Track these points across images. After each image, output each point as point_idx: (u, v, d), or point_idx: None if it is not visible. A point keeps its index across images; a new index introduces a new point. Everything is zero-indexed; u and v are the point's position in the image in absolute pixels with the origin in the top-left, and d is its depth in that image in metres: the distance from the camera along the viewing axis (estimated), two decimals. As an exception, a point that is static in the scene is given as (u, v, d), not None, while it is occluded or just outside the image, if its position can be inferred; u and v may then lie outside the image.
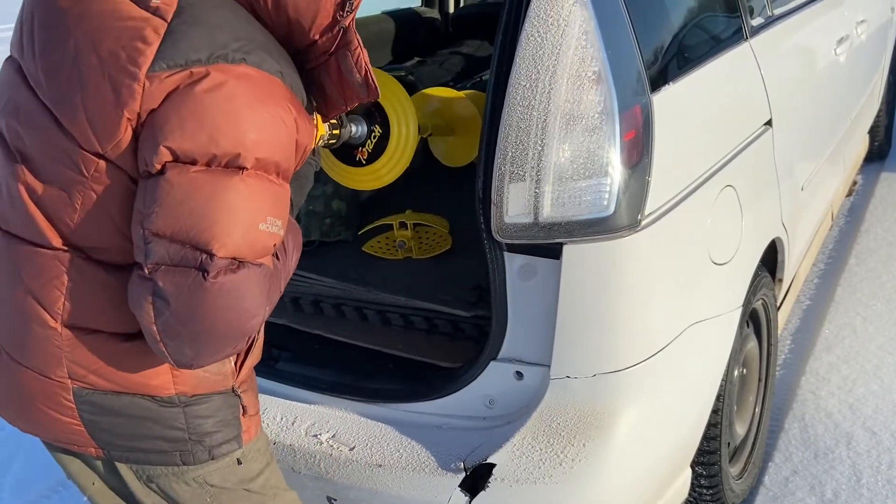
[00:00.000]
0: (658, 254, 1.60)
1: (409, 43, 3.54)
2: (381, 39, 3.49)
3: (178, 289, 1.08)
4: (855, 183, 4.38)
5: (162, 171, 1.08)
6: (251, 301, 1.13)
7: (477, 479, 1.61)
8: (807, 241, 2.82)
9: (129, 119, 1.09)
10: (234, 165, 1.09)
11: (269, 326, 2.01)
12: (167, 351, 1.13)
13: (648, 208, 1.55)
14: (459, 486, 1.61)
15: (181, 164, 1.08)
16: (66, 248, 1.17)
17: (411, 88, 2.63)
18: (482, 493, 1.59)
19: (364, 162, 1.72)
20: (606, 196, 1.48)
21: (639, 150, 1.52)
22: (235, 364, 1.32)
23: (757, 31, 2.16)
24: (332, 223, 2.25)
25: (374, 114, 1.69)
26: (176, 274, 1.08)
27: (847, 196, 4.18)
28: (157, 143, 1.08)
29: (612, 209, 1.49)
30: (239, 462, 1.34)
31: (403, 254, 2.18)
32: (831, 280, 3.47)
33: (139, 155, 1.11)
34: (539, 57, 1.47)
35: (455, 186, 2.12)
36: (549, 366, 1.63)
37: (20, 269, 1.20)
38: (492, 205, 1.53)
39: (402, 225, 2.18)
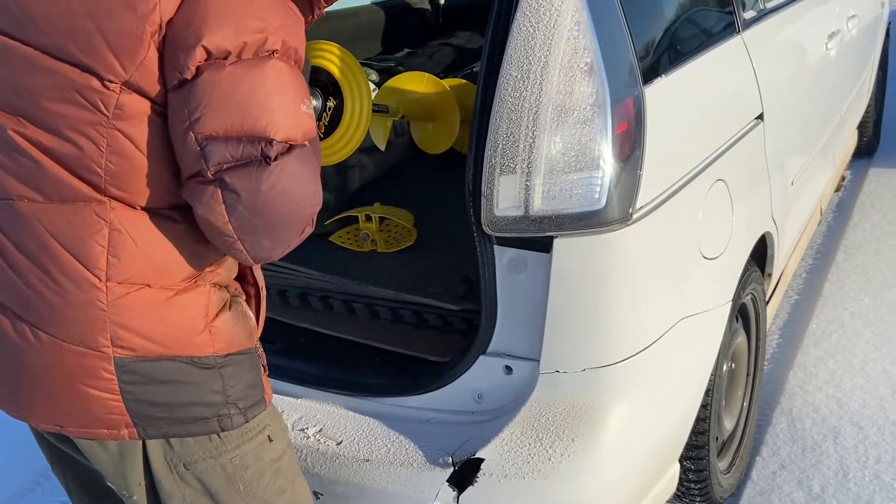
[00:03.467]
0: (649, 248, 1.59)
1: (399, 34, 3.52)
2: (370, 30, 3.46)
3: (246, 181, 1.11)
4: (843, 178, 4.40)
5: (198, 74, 1.09)
6: (309, 179, 1.17)
7: (465, 474, 1.60)
8: (796, 235, 2.82)
9: (151, 33, 1.09)
10: (264, 51, 1.11)
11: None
12: (245, 248, 1.16)
13: (640, 202, 1.54)
14: (447, 481, 1.60)
15: (215, 62, 1.09)
16: (100, 197, 1.15)
17: (401, 79, 2.62)
18: (470, 488, 1.58)
19: (321, 136, 1.70)
20: (598, 189, 1.47)
21: (630, 143, 1.51)
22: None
23: (749, 24, 2.15)
24: (320, 215, 2.22)
25: (329, 87, 1.68)
26: (241, 167, 1.11)
27: (836, 191, 4.19)
28: (190, 45, 1.08)
29: (603, 202, 1.48)
30: (270, 439, 1.35)
31: (368, 246, 2.16)
32: (819, 275, 3.48)
33: (167, 67, 1.10)
34: (531, 48, 1.45)
35: (445, 179, 2.11)
36: (538, 360, 1.61)
37: (52, 231, 1.16)
38: (482, 197, 1.51)
39: (368, 218, 2.16)
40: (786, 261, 2.78)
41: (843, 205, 4.17)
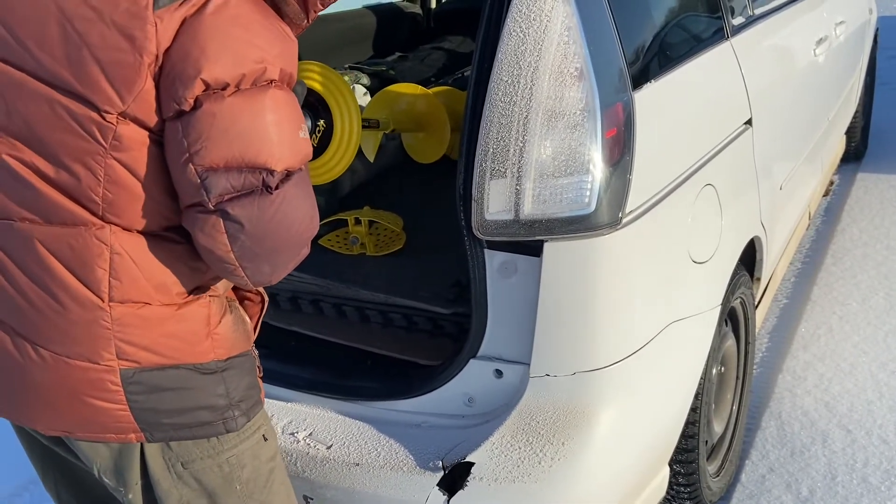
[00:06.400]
0: (639, 252, 1.60)
1: (390, 38, 3.52)
2: (361, 34, 3.47)
3: (249, 210, 1.11)
4: (832, 183, 4.43)
5: (196, 106, 1.08)
6: (308, 203, 1.18)
7: (455, 478, 1.60)
8: (784, 240, 2.83)
9: (148, 64, 1.08)
10: (263, 81, 1.11)
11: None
12: (246, 274, 1.17)
13: (629, 206, 1.54)
14: (437, 485, 1.59)
15: (214, 93, 1.08)
16: (101, 222, 1.15)
17: (392, 83, 2.62)
18: (460, 492, 1.58)
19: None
20: (588, 193, 1.48)
21: (620, 148, 1.51)
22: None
23: (738, 30, 2.16)
24: (310, 219, 2.22)
25: (318, 108, 1.69)
26: (242, 197, 1.11)
27: (824, 196, 4.22)
28: (189, 77, 1.07)
29: (593, 207, 1.48)
30: (265, 438, 1.36)
31: (358, 250, 2.17)
32: (808, 279, 3.50)
33: (163, 97, 1.09)
34: (521, 53, 1.46)
35: (436, 183, 2.11)
36: (528, 364, 1.62)
37: (54, 252, 1.16)
38: (472, 201, 1.51)
39: (357, 221, 2.17)
40: (774, 265, 2.79)
41: (831, 209, 4.20)
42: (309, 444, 1.73)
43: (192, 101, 1.08)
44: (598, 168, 1.48)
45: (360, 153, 2.26)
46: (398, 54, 3.30)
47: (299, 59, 3.17)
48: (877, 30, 4.66)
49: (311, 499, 1.71)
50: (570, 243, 1.50)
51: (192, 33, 1.08)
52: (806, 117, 2.85)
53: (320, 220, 2.22)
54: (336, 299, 2.03)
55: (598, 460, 1.61)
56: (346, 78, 2.36)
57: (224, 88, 1.09)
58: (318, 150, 1.70)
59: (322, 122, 1.68)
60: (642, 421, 1.72)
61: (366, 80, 2.43)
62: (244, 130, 1.09)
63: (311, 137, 1.69)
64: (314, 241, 2.23)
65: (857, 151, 4.71)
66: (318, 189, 1.96)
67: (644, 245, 1.61)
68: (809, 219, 3.53)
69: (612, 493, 1.67)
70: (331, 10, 3.46)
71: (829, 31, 3.04)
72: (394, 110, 2.00)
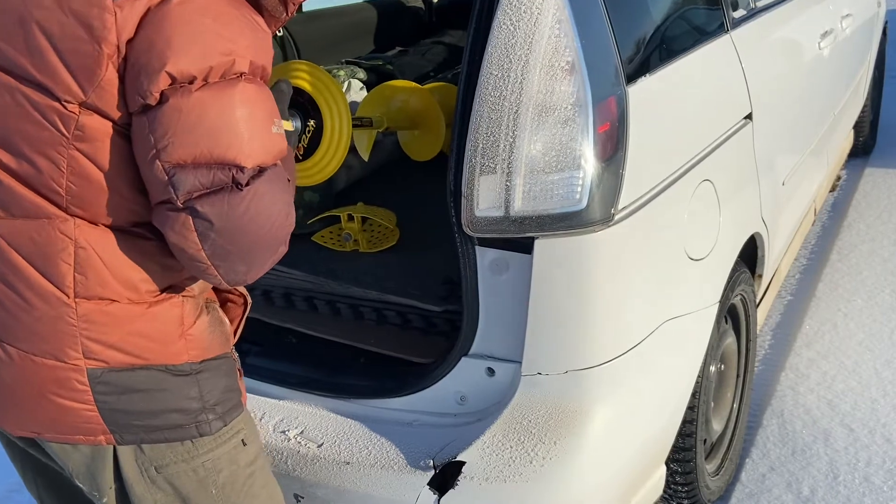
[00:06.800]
0: (632, 249, 1.57)
1: (391, 32, 3.50)
2: (363, 28, 3.45)
3: (218, 208, 1.07)
4: (839, 178, 4.38)
5: (163, 100, 1.05)
6: (282, 199, 1.14)
7: (446, 477, 1.58)
8: (788, 236, 2.80)
9: (108, 55, 1.05)
10: (231, 74, 1.08)
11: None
12: (220, 273, 1.13)
13: (622, 202, 1.52)
14: (428, 484, 1.58)
15: (181, 87, 1.05)
16: (64, 214, 1.12)
17: (389, 79, 2.60)
18: (451, 491, 1.56)
19: (301, 157, 1.69)
20: (579, 190, 1.45)
21: (613, 143, 1.49)
22: (231, 324, 1.34)
23: (738, 23, 2.12)
24: (305, 215, 2.21)
25: (307, 108, 1.66)
26: (212, 195, 1.07)
27: (830, 191, 4.17)
28: (154, 70, 1.03)
29: (584, 203, 1.46)
30: (244, 443, 1.33)
31: (351, 246, 2.14)
32: (813, 275, 3.46)
33: (128, 92, 1.06)
34: (511, 46, 1.43)
35: (432, 180, 2.09)
36: (520, 362, 1.59)
37: (17, 247, 1.14)
38: (462, 197, 1.49)
39: (351, 217, 2.14)
40: (778, 262, 2.76)
41: (838, 205, 4.15)
42: (300, 443, 1.72)
43: (157, 95, 1.05)
44: (589, 164, 1.46)
45: (355, 149, 2.25)
46: (399, 48, 3.28)
47: (299, 56, 3.15)
48: (886, 23, 4.60)
49: (302, 497, 1.70)
50: (561, 240, 1.48)
51: (156, 24, 1.04)
52: (810, 112, 2.81)
53: (315, 217, 2.24)
54: (329, 296, 2.02)
55: (591, 460, 1.59)
56: (342, 73, 2.34)
57: (191, 82, 1.05)
58: (309, 150, 1.68)
59: (312, 122, 1.66)
60: (637, 420, 1.70)
61: (362, 74, 2.41)
62: (212, 126, 1.06)
63: (301, 137, 1.66)
64: (308, 237, 2.23)
65: (865, 146, 4.66)
66: (315, 186, 1.96)
67: (638, 242, 1.59)
68: (815, 214, 3.48)
69: (606, 493, 1.65)
70: (332, 4, 3.44)
71: (834, 24, 3.00)
72: (388, 108, 1.98)
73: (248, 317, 2.01)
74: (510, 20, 1.44)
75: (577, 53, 1.44)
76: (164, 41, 1.04)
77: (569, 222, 1.46)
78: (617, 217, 1.51)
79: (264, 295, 2.10)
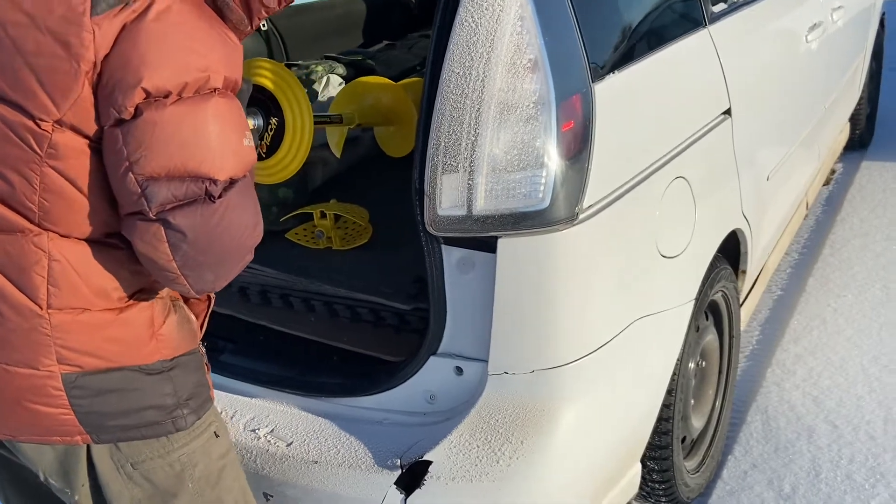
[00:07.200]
0: (599, 248, 1.56)
1: (379, 26, 3.48)
2: (350, 22, 3.43)
3: (192, 220, 1.09)
4: (833, 172, 4.34)
5: (137, 114, 1.05)
6: (251, 210, 1.17)
7: (413, 476, 1.58)
8: (775, 231, 2.77)
9: (86, 72, 1.05)
10: (206, 89, 1.09)
11: (211, 317, 1.98)
12: (189, 283, 1.15)
13: (587, 201, 1.50)
14: (394, 483, 1.57)
15: (155, 101, 1.06)
16: (37, 229, 1.13)
17: (370, 74, 2.59)
18: (417, 491, 1.56)
19: (264, 155, 1.68)
20: (542, 188, 1.44)
21: (577, 142, 1.47)
22: (197, 320, 1.36)
23: (717, 17, 2.10)
24: (279, 211, 2.20)
25: (269, 105, 1.66)
26: (185, 207, 1.09)
27: (825, 185, 4.13)
28: (129, 85, 1.04)
29: (547, 202, 1.44)
30: (216, 435, 1.35)
31: (324, 244, 2.14)
32: (804, 270, 3.44)
33: (102, 105, 1.07)
34: (473, 43, 1.42)
35: (407, 176, 2.08)
36: (488, 361, 1.59)
37: None
38: (425, 196, 1.48)
39: (323, 215, 2.14)
40: (764, 257, 2.74)
41: (832, 199, 4.12)
42: (269, 442, 1.71)
43: (132, 110, 1.05)
44: (553, 162, 1.44)
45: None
46: (385, 42, 3.26)
47: (285, 51, 3.13)
48: (883, 14, 4.55)
49: (271, 496, 1.70)
50: (524, 239, 1.47)
51: (132, 40, 1.05)
52: (796, 106, 2.78)
53: (289, 213, 2.23)
54: (304, 294, 2.01)
55: (558, 459, 1.58)
56: (320, 68, 2.33)
57: (166, 97, 1.06)
58: (272, 147, 1.67)
59: (275, 119, 1.65)
60: (608, 419, 1.69)
61: (341, 70, 2.39)
62: (186, 140, 1.07)
63: (264, 135, 1.66)
64: (281, 235, 2.23)
65: (862, 139, 4.61)
66: (288, 181, 1.95)
67: (605, 240, 1.57)
68: (807, 208, 3.45)
69: (575, 492, 1.64)
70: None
71: (824, 16, 2.96)
72: (360, 104, 1.97)
73: (223, 314, 2.03)
74: (472, 17, 1.42)
75: (541, 51, 1.43)
76: (139, 57, 1.05)
77: (532, 221, 1.45)
78: (582, 216, 1.49)
79: (240, 292, 2.10)
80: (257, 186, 2.20)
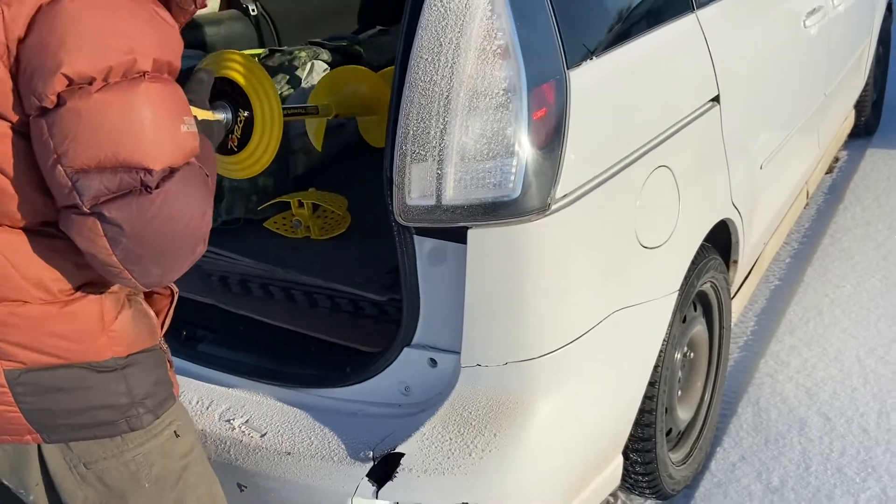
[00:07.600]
0: (573, 238, 1.53)
1: (372, 10, 3.44)
2: (342, 6, 3.39)
3: (127, 212, 1.04)
4: (836, 160, 4.27)
5: (60, 103, 1.01)
6: (197, 200, 1.10)
7: (385, 468, 1.56)
8: (771, 221, 2.73)
9: None
10: (133, 73, 1.03)
11: (192, 305, 1.97)
12: (134, 277, 1.10)
13: (561, 191, 1.47)
14: (367, 475, 1.56)
15: (79, 89, 1.01)
16: None
17: (356, 60, 2.55)
18: (389, 483, 1.54)
19: (235, 149, 1.66)
20: (512, 178, 1.41)
21: (550, 130, 1.44)
22: (158, 316, 1.32)
23: (706, 2, 2.05)
24: (258, 200, 2.18)
25: (237, 98, 1.63)
26: (119, 199, 1.04)
27: (827, 173, 4.07)
28: (49, 71, 0.99)
29: (518, 192, 1.41)
30: (177, 434, 1.31)
31: (302, 233, 2.11)
32: (803, 259, 3.39)
33: (23, 92, 1.02)
34: (442, 29, 1.39)
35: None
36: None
37: None
38: (394, 186, 1.46)
39: (301, 204, 2.11)
40: (759, 247, 2.69)
41: (835, 187, 4.06)
42: (243, 432, 1.70)
43: (54, 98, 1.01)
44: (524, 151, 1.41)
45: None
46: (379, 28, 3.21)
47: (276, 36, 3.08)
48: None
49: (245, 487, 1.69)
50: (495, 230, 1.44)
51: (49, 22, 1.00)
52: (793, 94, 2.73)
53: (270, 201, 2.20)
54: (283, 283, 1.99)
55: (532, 452, 1.56)
56: (304, 54, 2.30)
57: (90, 83, 1.01)
58: (244, 140, 1.64)
59: (245, 112, 1.62)
60: (586, 411, 1.67)
61: (326, 56, 2.36)
62: (115, 128, 1.01)
63: (233, 129, 1.63)
64: (260, 224, 2.21)
65: (867, 126, 4.54)
66: (268, 170, 1.93)
67: (581, 230, 1.54)
68: (808, 197, 3.40)
69: (551, 485, 1.62)
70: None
71: (824, 1, 2.90)
72: (339, 95, 1.94)
73: (204, 303, 2.01)
74: (441, 1, 1.39)
75: (512, 36, 1.40)
76: (57, 41, 1.00)
77: (502, 211, 1.42)
78: (555, 206, 1.46)
79: (220, 281, 2.08)
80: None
